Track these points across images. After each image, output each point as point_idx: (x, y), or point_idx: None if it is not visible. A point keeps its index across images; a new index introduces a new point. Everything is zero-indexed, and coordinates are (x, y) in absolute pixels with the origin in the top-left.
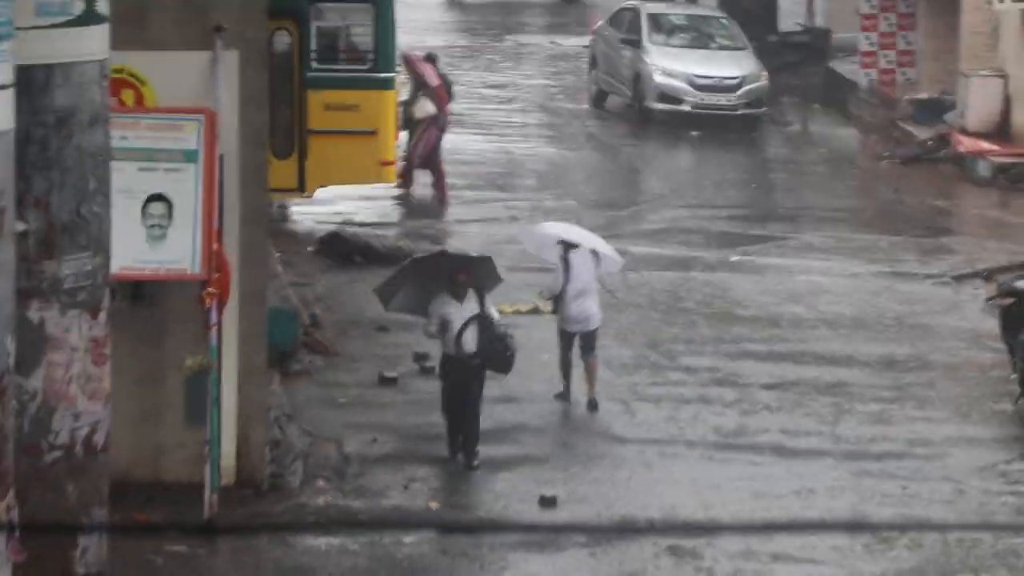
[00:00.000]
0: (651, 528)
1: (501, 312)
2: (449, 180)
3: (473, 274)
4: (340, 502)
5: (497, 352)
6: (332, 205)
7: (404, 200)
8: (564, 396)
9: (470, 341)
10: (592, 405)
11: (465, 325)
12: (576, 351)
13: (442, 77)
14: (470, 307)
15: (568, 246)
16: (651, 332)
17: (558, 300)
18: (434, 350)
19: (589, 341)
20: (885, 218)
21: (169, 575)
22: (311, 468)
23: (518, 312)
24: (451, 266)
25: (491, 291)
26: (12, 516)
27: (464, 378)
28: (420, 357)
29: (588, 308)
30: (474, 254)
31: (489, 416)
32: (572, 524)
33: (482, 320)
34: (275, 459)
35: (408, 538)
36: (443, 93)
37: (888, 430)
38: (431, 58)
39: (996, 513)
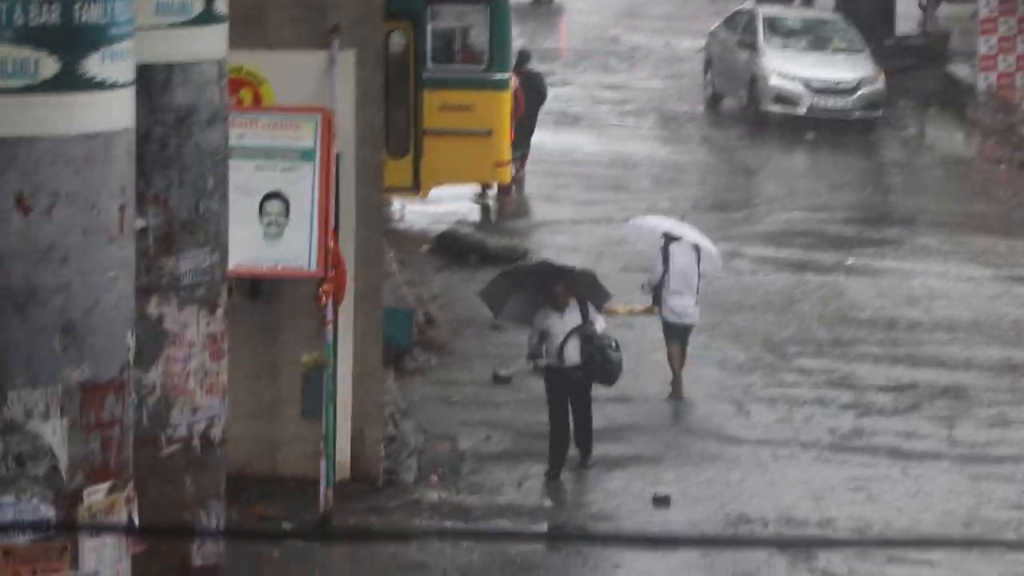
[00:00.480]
0: (765, 527)
1: (615, 313)
2: (563, 180)
3: (573, 286)
4: (454, 498)
5: (600, 365)
6: (446, 204)
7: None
8: (676, 386)
9: (572, 353)
10: (677, 390)
11: (567, 338)
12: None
13: (528, 77)
14: (572, 319)
15: (670, 239)
16: (766, 334)
17: (658, 292)
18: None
19: (683, 334)
20: (1003, 222)
21: (285, 568)
22: (425, 465)
23: (632, 312)
24: (550, 278)
25: (599, 304)
26: (131, 508)
27: (569, 390)
28: (533, 356)
29: (686, 303)
30: (574, 266)
31: (602, 415)
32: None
33: (584, 332)
34: (390, 455)
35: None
36: (520, 94)
37: (1006, 433)
38: (523, 56)
39: None
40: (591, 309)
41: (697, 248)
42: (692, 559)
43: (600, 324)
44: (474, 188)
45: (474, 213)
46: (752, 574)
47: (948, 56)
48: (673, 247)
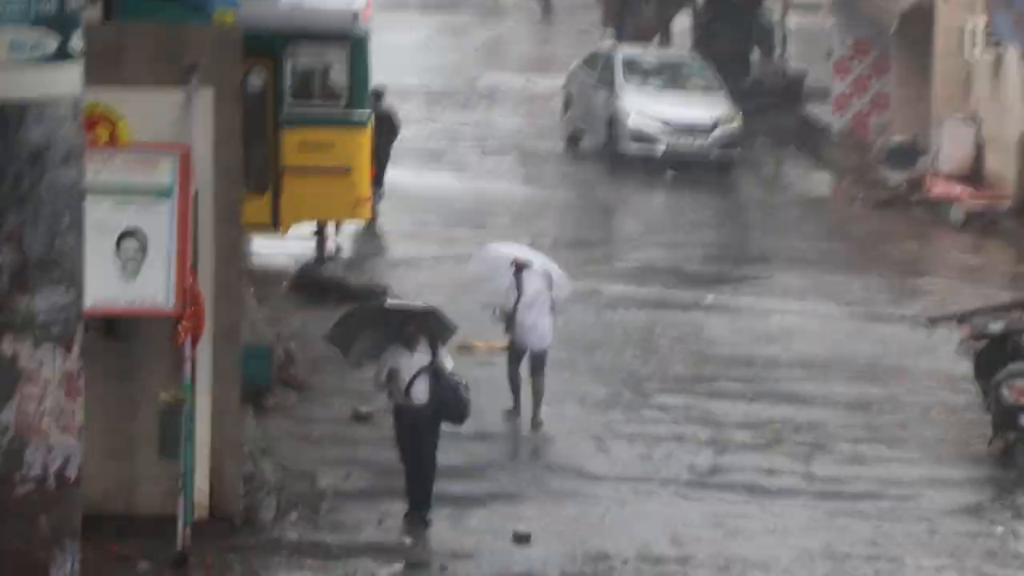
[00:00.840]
0: (625, 564)
1: (476, 349)
2: (423, 217)
3: (422, 324)
4: (314, 536)
5: (449, 403)
6: (306, 242)
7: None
8: (514, 413)
9: (420, 392)
10: (536, 425)
11: (416, 376)
12: (525, 369)
13: (381, 114)
14: (421, 357)
15: (520, 266)
16: (625, 370)
17: (510, 319)
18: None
19: (540, 360)
20: (859, 260)
21: None
22: (285, 503)
23: (492, 349)
24: (398, 316)
25: (446, 341)
26: None
27: (416, 428)
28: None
29: (540, 327)
30: (418, 306)
31: (461, 452)
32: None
33: (434, 371)
34: (249, 493)
35: (383, 571)
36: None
37: (862, 470)
38: (376, 94)
39: (969, 553)
40: (440, 347)
41: (548, 274)
42: None
43: (449, 362)
44: (311, 226)
45: (334, 250)
46: None
47: (804, 96)
48: (525, 274)
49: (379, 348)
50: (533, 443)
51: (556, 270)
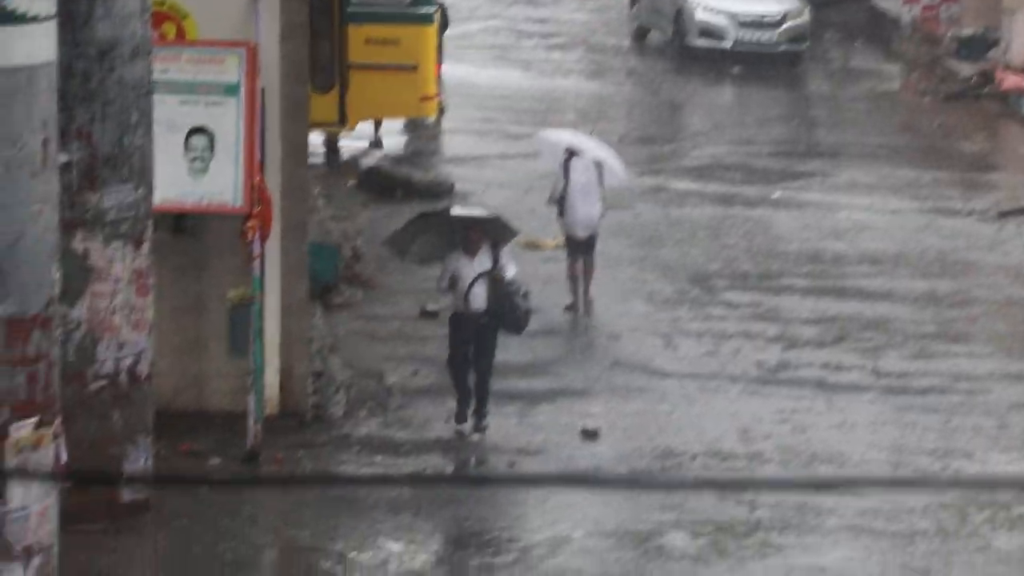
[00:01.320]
0: (692, 460)
1: (542, 246)
2: (490, 114)
3: (486, 231)
4: (383, 432)
5: (508, 311)
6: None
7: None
8: (573, 307)
9: (479, 298)
10: (588, 303)
11: (474, 282)
12: (580, 258)
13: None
14: (482, 263)
15: (572, 153)
16: (692, 267)
17: (561, 204)
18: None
19: (588, 246)
20: (928, 155)
21: (213, 503)
22: (353, 400)
23: (560, 246)
24: (460, 224)
25: (508, 244)
26: (59, 443)
27: (474, 336)
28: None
29: (588, 214)
30: (481, 214)
31: (528, 349)
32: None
33: (494, 277)
34: (318, 390)
35: (451, 468)
36: None
37: (930, 365)
38: None
39: None
40: (502, 254)
41: (599, 163)
42: (621, 491)
43: (511, 270)
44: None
45: (400, 147)
46: (680, 505)
47: None
48: (574, 162)
49: (440, 251)
50: (600, 340)
51: (612, 159)
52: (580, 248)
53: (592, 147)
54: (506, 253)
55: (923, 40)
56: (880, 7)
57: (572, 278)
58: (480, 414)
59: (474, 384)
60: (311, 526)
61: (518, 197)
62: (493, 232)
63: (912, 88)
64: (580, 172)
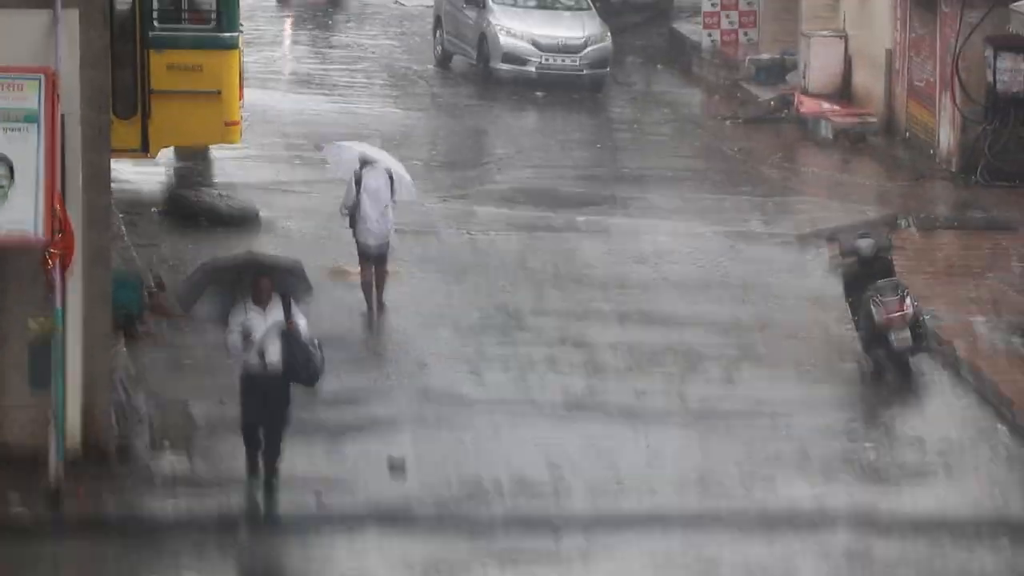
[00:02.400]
0: (500, 489)
1: (347, 275)
2: (293, 140)
3: (278, 280)
4: (188, 467)
5: (300, 364)
6: (176, 165)
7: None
8: (369, 313)
9: (273, 352)
10: (380, 307)
11: (267, 335)
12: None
13: None
14: (273, 315)
15: (364, 162)
16: (498, 294)
17: (353, 215)
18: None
19: (381, 256)
20: (729, 179)
21: (12, 541)
22: (158, 433)
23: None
24: (254, 271)
25: (300, 299)
26: None
27: (266, 393)
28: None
29: (380, 223)
30: (280, 260)
31: (335, 380)
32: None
33: (288, 328)
34: (121, 423)
35: (259, 500)
36: None
37: (734, 391)
38: None
39: (839, 472)
40: (294, 305)
41: (389, 173)
42: (429, 524)
43: (302, 320)
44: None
45: (205, 174)
46: (486, 536)
47: (673, 14)
48: (366, 171)
49: (225, 305)
50: (407, 368)
51: (400, 170)
52: (372, 258)
53: (384, 157)
54: (296, 305)
55: (723, 64)
56: (680, 32)
57: (365, 285)
58: (272, 469)
59: (265, 439)
60: (114, 570)
61: (322, 223)
62: (284, 283)
63: (713, 112)
64: (372, 180)
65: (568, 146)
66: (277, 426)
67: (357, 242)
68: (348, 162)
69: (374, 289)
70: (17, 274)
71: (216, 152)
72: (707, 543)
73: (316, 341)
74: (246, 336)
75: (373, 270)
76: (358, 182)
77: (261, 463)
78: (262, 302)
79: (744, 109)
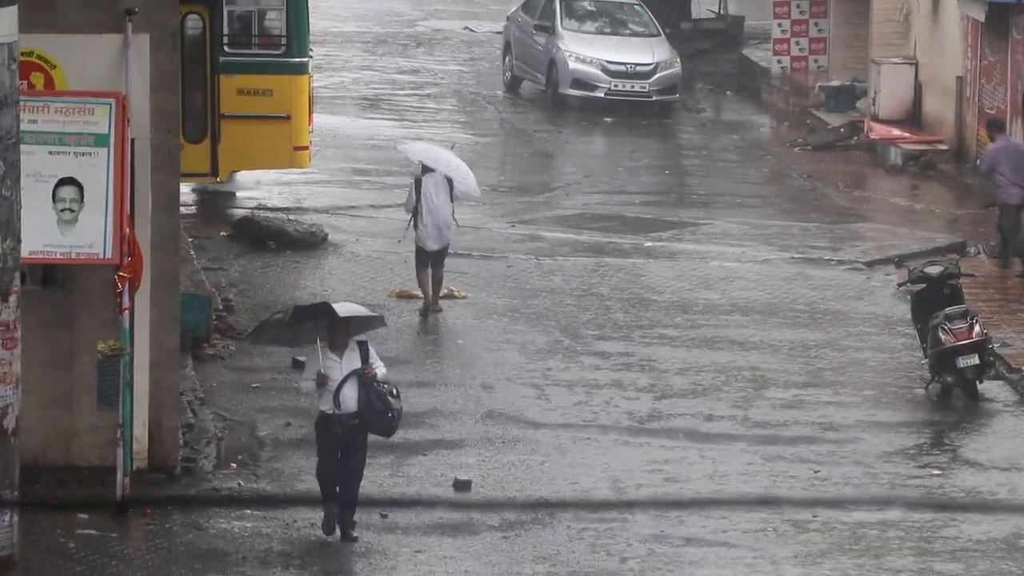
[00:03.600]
0: (565, 510)
1: (415, 297)
2: (362, 164)
3: (351, 328)
4: (253, 485)
5: (378, 413)
6: (247, 189)
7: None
8: (424, 308)
9: (349, 399)
10: (436, 308)
11: (344, 381)
12: (429, 268)
13: None
14: (351, 361)
15: (424, 169)
16: (565, 317)
17: (413, 220)
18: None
19: (439, 257)
20: (797, 205)
21: (80, 558)
22: (224, 452)
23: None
24: (332, 319)
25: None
26: None
27: (343, 439)
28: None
29: (439, 227)
30: (362, 313)
31: (403, 400)
32: (486, 504)
33: (364, 375)
34: (188, 443)
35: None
36: None
37: (800, 415)
38: None
39: (905, 496)
40: (372, 353)
41: (448, 179)
42: (494, 543)
43: (381, 368)
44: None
45: (274, 198)
46: (552, 557)
47: (743, 40)
48: (425, 179)
49: (301, 339)
50: (474, 391)
51: (463, 177)
52: (430, 259)
53: (444, 162)
54: (373, 351)
55: (792, 91)
56: (750, 58)
57: (422, 282)
58: (349, 523)
59: (341, 489)
60: None
61: (390, 247)
62: (360, 328)
63: (782, 138)
64: (430, 188)
65: (636, 171)
66: (354, 476)
67: (416, 244)
68: (432, 158)
69: (432, 292)
70: (86, 295)
71: (286, 176)
72: (770, 566)
73: (396, 390)
74: (321, 384)
75: (429, 272)
76: (418, 188)
77: (336, 524)
78: (339, 349)
79: (813, 135)
